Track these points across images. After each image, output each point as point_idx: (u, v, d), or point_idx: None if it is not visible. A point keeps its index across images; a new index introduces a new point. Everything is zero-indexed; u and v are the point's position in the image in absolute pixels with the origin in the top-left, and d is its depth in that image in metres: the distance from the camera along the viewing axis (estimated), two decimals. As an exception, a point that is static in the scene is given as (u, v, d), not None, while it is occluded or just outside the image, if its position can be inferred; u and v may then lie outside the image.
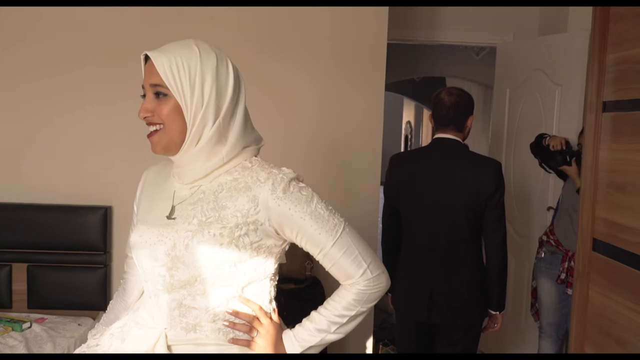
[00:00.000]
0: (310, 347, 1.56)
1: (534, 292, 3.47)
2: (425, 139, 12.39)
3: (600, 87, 1.94)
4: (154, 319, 1.46)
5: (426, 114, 11.91)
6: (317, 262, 3.53)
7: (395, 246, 2.75)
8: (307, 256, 3.36)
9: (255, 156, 1.54)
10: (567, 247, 3.17)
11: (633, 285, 1.75)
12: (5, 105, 3.34)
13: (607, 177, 1.91)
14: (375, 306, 3.65)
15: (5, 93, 3.33)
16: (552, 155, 3.14)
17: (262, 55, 3.45)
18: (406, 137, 15.39)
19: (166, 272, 1.41)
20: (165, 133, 1.40)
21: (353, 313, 1.51)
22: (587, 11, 2.28)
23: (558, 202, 3.35)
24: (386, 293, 2.85)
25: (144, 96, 1.43)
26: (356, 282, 1.48)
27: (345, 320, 1.53)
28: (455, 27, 4.28)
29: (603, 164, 1.93)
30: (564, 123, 3.72)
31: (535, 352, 3.52)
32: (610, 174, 1.89)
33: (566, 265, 3.16)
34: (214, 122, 1.41)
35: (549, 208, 3.60)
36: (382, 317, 4.32)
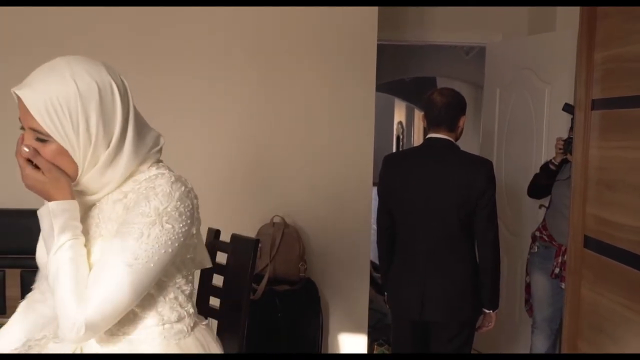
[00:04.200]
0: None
1: (528, 288, 3.48)
2: (417, 139, 12.44)
3: (588, 85, 1.96)
4: None
5: (417, 114, 11.95)
6: (312, 263, 3.53)
7: (390, 246, 2.77)
8: (301, 258, 3.37)
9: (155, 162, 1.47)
10: (560, 242, 3.18)
11: (624, 282, 1.76)
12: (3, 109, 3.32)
13: (596, 174, 1.92)
14: (370, 306, 3.69)
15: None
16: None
17: (251, 57, 3.45)
18: (398, 137, 15.42)
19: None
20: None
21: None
22: (574, 10, 2.30)
23: (550, 200, 3.37)
24: (382, 293, 2.88)
25: (23, 128, 1.35)
26: (84, 301, 1.29)
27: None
28: (444, 27, 4.29)
29: (593, 162, 1.94)
30: (553, 122, 3.73)
31: (528, 348, 3.53)
32: (599, 172, 1.91)
33: (560, 260, 3.18)
34: (106, 150, 1.36)
35: (541, 206, 3.62)
36: (376, 317, 4.32)
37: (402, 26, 4.23)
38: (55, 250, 1.32)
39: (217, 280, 2.34)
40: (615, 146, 1.83)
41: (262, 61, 3.47)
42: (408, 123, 14.72)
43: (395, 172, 2.71)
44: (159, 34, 3.35)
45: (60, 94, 1.28)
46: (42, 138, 1.31)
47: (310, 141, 3.53)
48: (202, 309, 2.33)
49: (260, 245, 2.89)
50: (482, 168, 2.60)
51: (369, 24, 3.50)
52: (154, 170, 1.43)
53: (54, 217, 1.33)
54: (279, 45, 3.48)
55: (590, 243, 1.96)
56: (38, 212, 1.37)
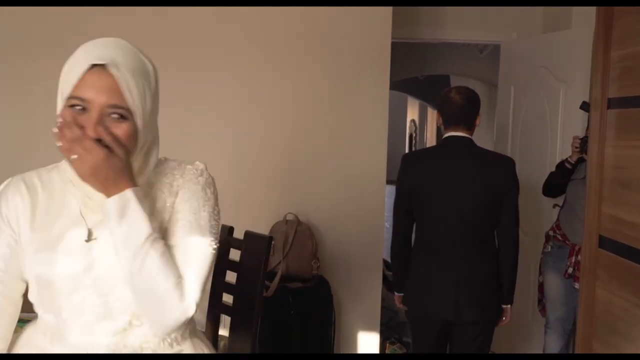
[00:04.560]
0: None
1: (541, 288, 3.47)
2: (430, 137, 12.41)
3: (604, 84, 1.95)
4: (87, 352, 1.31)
5: (430, 112, 11.89)
6: (325, 261, 3.52)
7: (407, 247, 2.76)
8: (314, 255, 3.38)
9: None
10: (573, 241, 3.17)
11: (639, 281, 1.75)
12: (4, 109, 3.35)
13: (612, 173, 1.91)
14: (382, 305, 3.69)
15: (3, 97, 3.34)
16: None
17: (266, 57, 3.46)
18: (411, 135, 15.37)
19: (98, 300, 1.29)
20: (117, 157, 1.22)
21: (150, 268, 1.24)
22: (590, 8, 2.29)
23: (564, 199, 3.35)
24: (393, 292, 2.87)
25: (73, 106, 1.21)
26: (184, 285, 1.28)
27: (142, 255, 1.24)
28: (459, 25, 4.28)
29: (608, 161, 1.93)
30: (568, 120, 3.71)
31: (542, 348, 3.51)
32: (615, 171, 1.90)
33: (573, 260, 3.17)
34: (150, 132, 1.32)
35: (555, 205, 3.60)
36: (388, 316, 4.32)
37: (416, 24, 4.22)
38: (143, 242, 1.22)
39: (230, 277, 2.35)
40: (631, 145, 1.82)
41: (277, 60, 3.47)
42: (421, 121, 14.67)
43: (417, 171, 2.69)
44: (163, 34, 3.34)
45: (144, 70, 1.27)
46: (123, 114, 1.22)
47: (324, 139, 3.53)
48: (215, 306, 2.34)
49: (273, 242, 2.90)
50: (507, 167, 2.62)
51: (384, 23, 3.50)
52: (171, 162, 1.42)
53: (142, 204, 1.24)
54: (294, 44, 3.48)
55: (605, 243, 1.95)
56: (109, 205, 1.22)
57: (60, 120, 1.20)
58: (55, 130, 1.20)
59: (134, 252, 1.22)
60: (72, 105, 1.21)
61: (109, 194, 1.22)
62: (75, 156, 1.18)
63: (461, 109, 2.62)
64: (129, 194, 1.22)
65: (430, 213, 2.66)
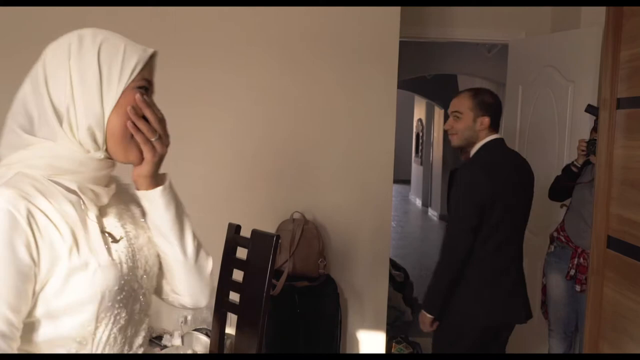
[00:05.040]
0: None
1: (544, 289, 3.46)
2: (437, 136, 12.33)
3: (613, 83, 1.93)
4: None
5: (437, 111, 11.83)
6: (331, 260, 3.50)
7: (462, 267, 2.56)
8: (321, 254, 3.38)
9: None
10: (577, 243, 3.16)
11: (648, 282, 1.74)
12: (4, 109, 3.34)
13: (621, 174, 1.90)
14: (388, 304, 3.68)
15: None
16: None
17: (274, 56, 3.46)
18: (417, 134, 15.32)
19: (138, 302, 1.21)
20: None
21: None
22: (600, 8, 2.28)
23: (570, 202, 3.34)
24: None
25: (143, 89, 1.17)
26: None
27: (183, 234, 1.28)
28: (467, 24, 4.27)
29: (617, 161, 1.92)
30: (576, 120, 3.70)
31: (546, 350, 3.50)
32: (624, 171, 1.89)
33: (575, 262, 3.16)
34: None
35: (562, 205, 3.59)
36: (394, 315, 4.33)
37: (424, 23, 4.21)
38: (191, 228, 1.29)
39: (237, 275, 2.35)
40: (640, 145, 1.81)
41: (285, 59, 3.48)
42: (428, 121, 14.59)
43: (490, 182, 2.56)
44: (163, 34, 3.34)
45: None
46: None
47: (331, 138, 3.53)
48: (222, 304, 2.35)
49: (280, 241, 2.90)
50: (530, 166, 2.75)
51: (392, 23, 3.50)
52: None
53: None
54: (302, 43, 3.48)
55: (613, 243, 1.94)
56: (167, 191, 1.23)
57: (141, 100, 1.15)
58: (131, 110, 1.13)
59: (193, 232, 1.29)
60: (139, 87, 1.16)
61: (151, 182, 1.21)
62: (155, 138, 1.16)
63: (500, 112, 2.70)
64: (171, 187, 1.25)
65: (501, 220, 2.55)
